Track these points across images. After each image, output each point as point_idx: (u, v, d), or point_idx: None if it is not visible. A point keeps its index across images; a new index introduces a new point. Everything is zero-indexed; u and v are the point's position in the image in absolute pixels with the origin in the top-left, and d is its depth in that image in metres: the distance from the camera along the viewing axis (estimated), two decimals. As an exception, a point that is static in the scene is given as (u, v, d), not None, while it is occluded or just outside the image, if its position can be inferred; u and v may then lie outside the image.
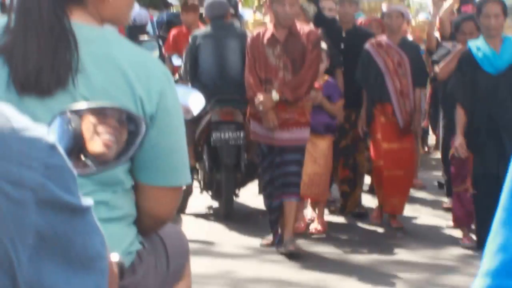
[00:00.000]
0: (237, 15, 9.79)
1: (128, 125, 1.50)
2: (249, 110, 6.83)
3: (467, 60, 6.36)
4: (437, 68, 7.08)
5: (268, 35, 6.54)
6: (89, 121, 1.49)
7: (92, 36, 2.03)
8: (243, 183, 7.72)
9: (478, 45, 6.32)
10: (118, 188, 2.07)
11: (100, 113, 1.49)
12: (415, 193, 9.03)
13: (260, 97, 6.39)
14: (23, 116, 1.10)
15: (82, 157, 1.46)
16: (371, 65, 7.43)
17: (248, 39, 6.76)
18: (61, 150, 1.11)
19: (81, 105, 1.52)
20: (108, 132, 1.48)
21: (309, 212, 7.63)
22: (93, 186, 2.00)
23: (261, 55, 6.52)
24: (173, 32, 9.68)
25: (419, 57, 7.72)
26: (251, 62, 6.58)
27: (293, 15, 6.50)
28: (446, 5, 8.30)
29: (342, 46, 7.78)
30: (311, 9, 7.54)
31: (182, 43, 8.79)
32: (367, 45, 7.50)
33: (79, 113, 1.44)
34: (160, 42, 8.49)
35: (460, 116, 6.35)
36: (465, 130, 6.37)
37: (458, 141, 6.30)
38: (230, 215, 7.59)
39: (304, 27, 6.67)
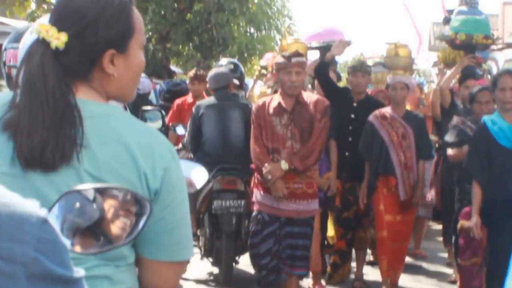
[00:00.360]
0: (242, 87, 9.90)
1: (133, 207, 1.51)
2: (254, 179, 6.79)
3: (482, 134, 6.15)
4: (450, 152, 6.94)
5: (274, 104, 6.51)
6: (111, 202, 1.51)
7: (97, 112, 2.03)
8: (243, 250, 7.70)
9: (493, 119, 6.11)
10: (121, 263, 2.05)
11: (106, 194, 1.51)
12: (417, 263, 8.99)
13: (268, 166, 6.34)
14: (13, 192, 1.11)
15: (90, 236, 1.48)
16: (375, 137, 7.40)
17: (253, 108, 6.73)
18: (53, 224, 1.12)
19: (88, 185, 1.53)
20: (125, 215, 1.50)
21: (309, 281, 7.61)
22: (96, 260, 1.97)
23: (267, 124, 6.47)
24: (178, 101, 9.81)
25: (423, 129, 7.64)
26: (257, 132, 6.53)
27: (300, 83, 6.51)
28: (447, 74, 8.34)
29: (353, 116, 7.76)
30: (307, 80, 7.61)
31: (186, 113, 8.89)
32: (371, 118, 7.47)
33: (88, 194, 1.46)
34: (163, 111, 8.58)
35: (476, 193, 6.08)
36: (481, 205, 6.09)
37: (474, 220, 6.03)
38: (229, 281, 7.58)
39: (312, 96, 6.67)
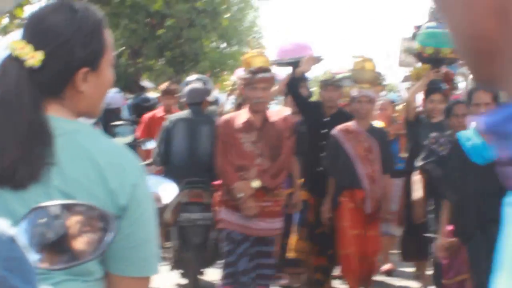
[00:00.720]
0: (214, 103, 9.97)
1: (99, 223, 1.53)
2: (220, 197, 6.63)
3: (455, 151, 5.94)
4: (414, 177, 6.83)
5: (242, 120, 6.36)
6: (76, 219, 1.52)
7: (67, 129, 2.05)
8: (210, 261, 7.72)
9: (468, 136, 5.87)
10: (89, 278, 2.06)
11: (72, 210, 1.52)
12: (385, 276, 9.00)
13: (239, 184, 6.21)
14: None
15: (57, 252, 1.49)
16: (340, 151, 7.29)
17: (219, 124, 6.59)
18: (20, 242, 1.13)
19: (54, 202, 1.54)
20: (91, 230, 1.51)
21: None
22: (63, 276, 1.98)
23: (235, 141, 6.32)
24: (148, 115, 9.81)
25: (386, 143, 7.57)
26: (223, 148, 6.38)
27: (266, 99, 6.39)
28: (413, 87, 8.34)
29: (325, 130, 7.59)
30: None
31: (156, 127, 8.91)
32: (335, 132, 7.37)
33: (53, 210, 1.47)
34: (133, 126, 8.62)
35: (445, 214, 5.98)
36: (454, 221, 5.92)
37: (438, 241, 5.95)
38: (197, 292, 7.56)
39: (279, 113, 6.56)
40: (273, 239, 6.46)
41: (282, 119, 6.42)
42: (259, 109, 6.34)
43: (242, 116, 6.44)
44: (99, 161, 2.03)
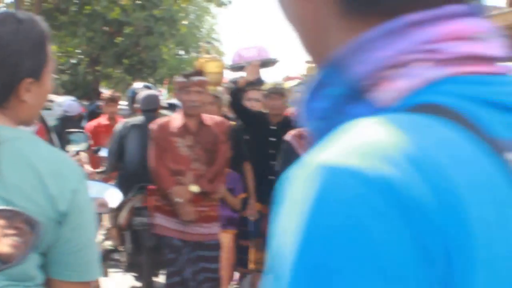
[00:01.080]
0: (168, 108, 10.00)
1: (26, 227, 1.54)
2: (153, 202, 6.52)
3: None
4: None
5: (177, 124, 6.23)
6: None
7: (8, 136, 2.05)
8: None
9: None
10: (30, 284, 2.05)
11: None
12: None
13: (177, 189, 6.12)
14: None
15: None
16: (293, 157, 7.19)
17: (153, 128, 6.43)
18: None
19: None
20: (16, 233, 1.52)
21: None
22: (4, 281, 1.98)
23: (170, 145, 6.20)
24: (93, 124, 9.77)
25: None
26: (158, 152, 6.25)
27: (200, 103, 6.24)
28: None
29: (274, 139, 7.49)
30: (225, 97, 7.51)
31: (103, 135, 8.88)
32: (289, 137, 7.09)
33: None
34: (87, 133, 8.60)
35: None
36: None
37: None
38: (151, 295, 7.53)
39: (213, 117, 6.45)
40: (215, 244, 6.36)
41: (217, 123, 6.33)
42: (193, 112, 6.20)
43: (177, 120, 6.31)
44: (39, 168, 2.03)
